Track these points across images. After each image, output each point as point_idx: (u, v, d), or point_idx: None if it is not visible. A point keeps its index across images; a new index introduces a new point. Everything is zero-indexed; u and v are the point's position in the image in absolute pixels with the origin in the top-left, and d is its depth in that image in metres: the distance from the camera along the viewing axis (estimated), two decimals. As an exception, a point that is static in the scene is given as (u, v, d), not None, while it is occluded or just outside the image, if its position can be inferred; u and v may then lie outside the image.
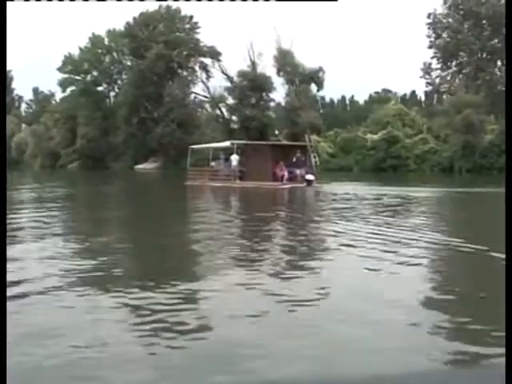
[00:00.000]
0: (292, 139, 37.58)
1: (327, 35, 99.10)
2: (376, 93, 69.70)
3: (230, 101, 50.98)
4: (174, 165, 54.74)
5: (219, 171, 26.34)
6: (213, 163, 27.98)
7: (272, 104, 52.49)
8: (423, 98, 54.66)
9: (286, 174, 25.34)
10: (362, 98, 75.84)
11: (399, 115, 42.42)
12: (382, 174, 37.83)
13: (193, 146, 28.60)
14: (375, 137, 40.63)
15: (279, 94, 62.35)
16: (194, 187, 24.29)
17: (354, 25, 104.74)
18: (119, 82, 70.39)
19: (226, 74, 50.98)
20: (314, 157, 26.51)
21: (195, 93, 53.96)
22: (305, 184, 24.57)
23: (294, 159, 25.67)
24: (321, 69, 49.53)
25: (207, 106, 53.37)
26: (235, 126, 49.75)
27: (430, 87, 45.85)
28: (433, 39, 42.09)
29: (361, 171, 39.14)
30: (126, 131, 58.30)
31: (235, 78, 50.38)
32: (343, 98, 74.73)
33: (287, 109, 48.30)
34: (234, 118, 51.11)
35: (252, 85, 48.75)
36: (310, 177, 25.25)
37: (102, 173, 47.53)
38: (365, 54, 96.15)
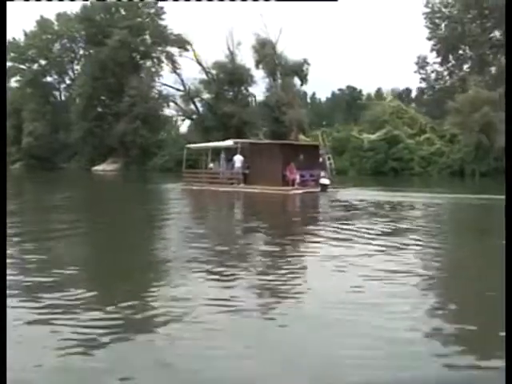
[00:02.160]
0: (274, 139, 36.33)
1: (313, 28, 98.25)
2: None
3: (206, 95, 49.50)
4: (137, 166, 52.43)
5: (220, 174, 25.63)
6: (211, 165, 26.66)
7: (251, 99, 51.37)
8: (419, 95, 54.47)
9: (297, 177, 23.92)
10: (346, 94, 76.29)
11: (397, 113, 41.74)
12: (382, 177, 36.99)
13: (189, 146, 28.40)
14: (372, 137, 39.73)
15: (259, 88, 61.56)
16: (191, 192, 24.10)
17: (340, 17, 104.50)
18: (71, 72, 67.05)
19: (201, 65, 49.26)
20: (329, 158, 25.22)
21: (167, 85, 51.76)
22: (319, 189, 23.27)
23: (301, 157, 24.59)
24: (305, 61, 48.63)
25: (179, 100, 51.19)
26: (211, 124, 48.08)
27: (423, 83, 45.68)
28: (432, 30, 41.65)
29: (357, 174, 38.07)
30: (81, 127, 55.14)
31: (212, 70, 49.06)
32: (332, 94, 74.97)
33: (269, 105, 47.11)
34: (209, 114, 49.39)
35: (230, 78, 47.36)
36: (324, 181, 23.87)
37: (53, 175, 44.47)
38: (353, 49, 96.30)
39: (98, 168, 54.97)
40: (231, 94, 49.08)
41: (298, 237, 10.22)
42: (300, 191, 22.54)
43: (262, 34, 47.24)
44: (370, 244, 8.92)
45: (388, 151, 38.97)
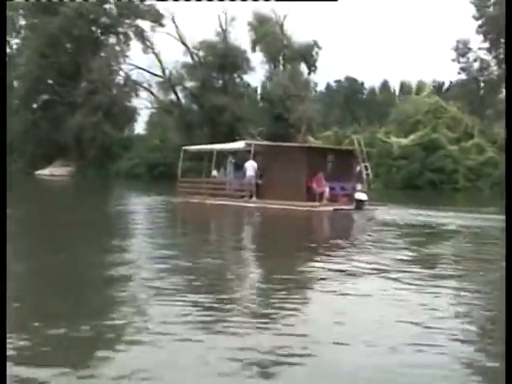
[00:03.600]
0: (274, 141, 36.69)
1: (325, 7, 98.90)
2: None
3: (190, 83, 49.91)
4: (95, 170, 52.24)
5: (226, 184, 25.72)
6: (214, 172, 26.64)
7: (246, 90, 52.27)
8: (456, 89, 55.22)
9: (326, 190, 24.03)
10: (345, 87, 76.89)
11: (434, 112, 42.38)
12: (417, 192, 37.38)
13: (187, 147, 28.41)
14: (404, 141, 40.23)
15: (256, 76, 61.74)
16: (189, 207, 24.22)
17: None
18: (8, 48, 66.38)
19: (184, 45, 49.32)
20: (366, 168, 25.45)
21: (140, 67, 51.57)
22: (353, 206, 23.49)
23: (331, 165, 24.83)
24: (315, 44, 49.23)
25: (155, 88, 51.76)
26: (196, 119, 48.47)
27: (463, 74, 46.14)
28: (479, 7, 41.98)
29: (384, 187, 38.38)
30: (22, 119, 54.55)
31: (198, 52, 49.53)
32: (327, 87, 75.63)
33: (270, 98, 47.59)
34: (194, 106, 49.46)
35: (221, 62, 47.71)
36: (361, 196, 23.98)
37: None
38: (373, 31, 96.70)
39: (44, 172, 54.51)
40: (222, 82, 49.63)
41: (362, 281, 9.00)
42: (330, 208, 22.59)
43: (264, 10, 48.01)
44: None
45: (425, 160, 39.41)
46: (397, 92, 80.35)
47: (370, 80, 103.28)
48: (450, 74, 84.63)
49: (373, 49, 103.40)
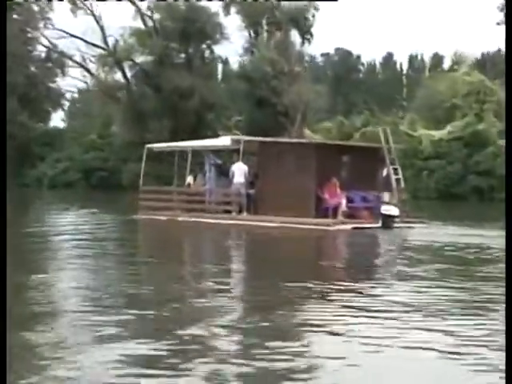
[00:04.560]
0: (256, 135, 36.73)
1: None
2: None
3: (142, 57, 49.96)
4: (9, 177, 52.11)
5: (206, 195, 25.99)
6: (189, 179, 26.71)
7: (218, 67, 52.40)
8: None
9: (343, 202, 23.99)
10: (335, 62, 77.61)
11: (478, 94, 42.71)
12: (458, 202, 37.56)
13: (151, 146, 28.34)
14: (438, 134, 40.44)
15: (232, 48, 61.55)
16: (153, 225, 24.34)
17: None
18: None
19: (134, 4, 49.28)
20: (396, 171, 25.31)
21: (70, 34, 50.94)
22: (379, 223, 23.50)
23: (348, 169, 24.89)
24: (312, 5, 49.40)
25: (93, 65, 51.49)
26: (151, 107, 48.40)
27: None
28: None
29: (412, 197, 38.15)
30: None
31: (153, 15, 49.60)
32: (311, 60, 76.05)
33: (251, 77, 47.76)
34: (148, 89, 49.63)
35: (185, 28, 47.59)
36: (390, 209, 23.81)
37: None
38: None
39: None
40: (185, 56, 49.66)
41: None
42: (347, 227, 22.48)
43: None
44: None
45: (467, 159, 39.83)
46: (404, 68, 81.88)
47: (369, 54, 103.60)
48: (495, 43, 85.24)
49: (372, 12, 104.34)
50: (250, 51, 50.04)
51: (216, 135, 46.92)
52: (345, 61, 77.37)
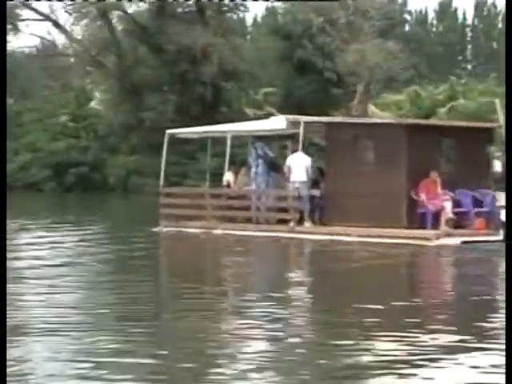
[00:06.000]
0: (300, 112, 36.94)
1: None
2: None
3: (134, 7, 50.88)
4: None
5: (252, 197, 26.68)
6: (228, 175, 27.13)
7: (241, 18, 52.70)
8: None
9: (447, 205, 24.26)
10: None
11: None
12: None
13: (174, 131, 28.79)
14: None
15: None
16: (181, 241, 25.04)
17: None
18: None
19: None
20: (513, 160, 25.64)
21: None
22: (500, 235, 23.65)
23: (453, 159, 25.10)
24: None
25: (63, 17, 51.87)
26: (148, 77, 49.28)
27: None
28: None
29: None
30: None
31: None
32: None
33: (286, 32, 48.53)
34: (144, 51, 50.49)
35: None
36: (513, 215, 24.18)
37: None
38: None
39: None
40: (195, 3, 50.15)
41: None
42: (455, 240, 22.73)
43: None
44: None
45: None
46: (469, 18, 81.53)
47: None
48: None
49: None
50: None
51: (239, 113, 47.40)
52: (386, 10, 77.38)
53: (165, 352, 10.75)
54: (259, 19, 59.65)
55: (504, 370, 8.12)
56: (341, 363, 9.84)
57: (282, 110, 44.88)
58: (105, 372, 9.28)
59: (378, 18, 49.28)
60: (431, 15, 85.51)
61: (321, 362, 10.07)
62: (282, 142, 27.07)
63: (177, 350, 10.84)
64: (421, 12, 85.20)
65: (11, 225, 29.79)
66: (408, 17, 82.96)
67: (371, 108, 45.37)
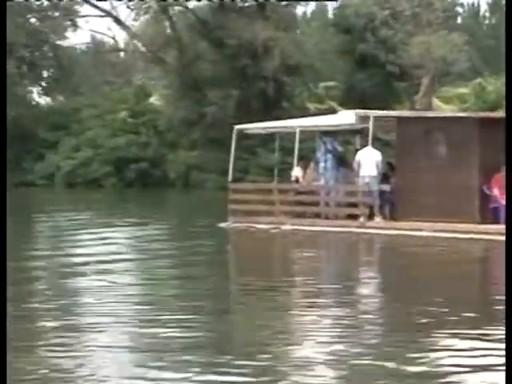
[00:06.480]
0: (362, 106, 36.68)
1: None
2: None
3: (195, 2, 50.75)
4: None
5: (321, 192, 26.69)
6: (296, 170, 27.10)
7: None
8: None
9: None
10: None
11: None
12: None
13: (242, 127, 28.90)
14: None
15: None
16: (249, 237, 25.01)
17: None
18: None
19: None
20: None
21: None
22: None
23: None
24: None
25: (124, 13, 51.56)
26: (209, 69, 49.24)
27: None
28: None
29: None
30: None
31: None
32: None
33: (347, 25, 48.33)
34: (205, 46, 50.41)
35: None
36: None
37: None
38: None
39: None
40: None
41: None
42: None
43: None
44: None
45: None
46: None
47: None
48: None
49: None
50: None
51: (301, 108, 47.34)
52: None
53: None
54: (310, 13, 58.94)
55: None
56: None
57: (344, 105, 44.74)
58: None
59: (443, 10, 49.41)
60: (483, 8, 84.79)
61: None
62: (348, 137, 26.53)
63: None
64: (473, 5, 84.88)
65: (73, 221, 30.23)
66: (460, 9, 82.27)
67: (435, 102, 44.92)
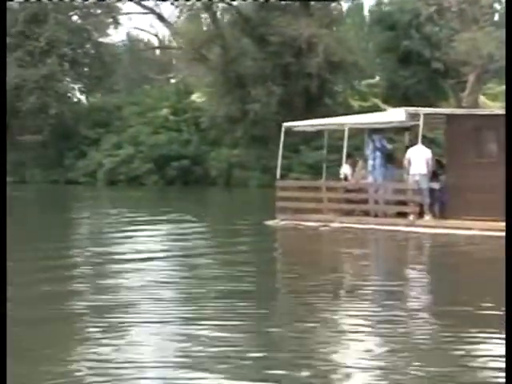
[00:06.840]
0: (405, 103, 36.45)
1: None
2: None
3: None
4: (43, 171, 52.76)
5: (369, 190, 26.91)
6: (345, 168, 27.05)
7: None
8: None
9: None
10: None
11: None
12: None
13: (290, 125, 29.16)
14: None
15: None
16: (298, 235, 24.80)
17: None
18: None
19: None
20: None
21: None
22: None
23: None
24: None
25: (167, 10, 51.52)
26: (252, 66, 49.26)
27: None
28: None
29: None
30: None
31: None
32: None
33: (390, 22, 47.97)
34: (248, 43, 50.32)
35: None
36: None
37: None
38: None
39: None
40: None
41: None
42: None
43: None
44: None
45: None
46: None
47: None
48: None
49: None
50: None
51: (344, 105, 47.21)
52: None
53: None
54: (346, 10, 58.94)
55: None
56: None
57: (387, 102, 44.57)
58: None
59: (489, 6, 49.29)
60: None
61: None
62: (396, 135, 26.05)
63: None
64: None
65: (116, 218, 30.29)
66: (498, 6, 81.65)
67: (481, 99, 44.66)
